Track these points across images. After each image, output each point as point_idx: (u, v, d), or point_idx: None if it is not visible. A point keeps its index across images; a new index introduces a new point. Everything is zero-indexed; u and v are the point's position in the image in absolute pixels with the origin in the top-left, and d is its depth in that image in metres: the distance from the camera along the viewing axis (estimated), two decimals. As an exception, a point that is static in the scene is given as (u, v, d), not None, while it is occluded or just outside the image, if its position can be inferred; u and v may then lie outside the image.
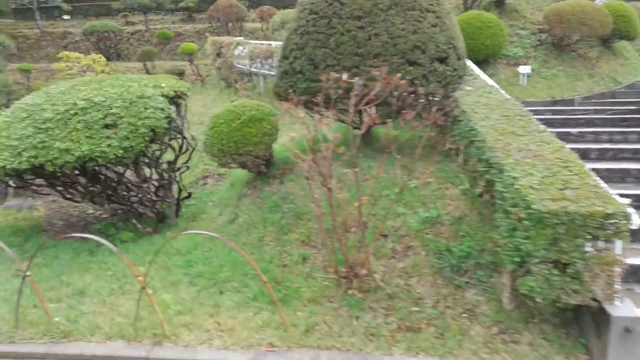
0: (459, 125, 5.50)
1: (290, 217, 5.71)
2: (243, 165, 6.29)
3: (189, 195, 8.45)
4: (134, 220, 7.49)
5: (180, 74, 18.12)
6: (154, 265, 6.13)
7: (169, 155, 7.93)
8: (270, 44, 13.17)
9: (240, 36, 19.41)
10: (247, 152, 6.04)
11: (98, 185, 7.10)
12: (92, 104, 6.32)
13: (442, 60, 5.94)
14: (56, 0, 28.82)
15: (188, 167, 8.66)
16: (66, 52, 17.42)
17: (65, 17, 29.59)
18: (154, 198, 7.56)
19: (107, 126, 6.15)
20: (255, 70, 13.28)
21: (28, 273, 4.25)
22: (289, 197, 6.01)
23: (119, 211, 7.69)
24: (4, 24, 29.35)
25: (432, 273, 4.62)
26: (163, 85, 7.54)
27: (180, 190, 7.95)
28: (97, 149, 5.92)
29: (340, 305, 4.50)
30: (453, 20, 6.44)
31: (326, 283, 4.76)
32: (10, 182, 8.65)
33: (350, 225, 4.57)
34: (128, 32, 26.25)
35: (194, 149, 8.11)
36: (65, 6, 25.79)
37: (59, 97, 6.69)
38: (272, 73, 12.53)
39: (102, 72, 17.60)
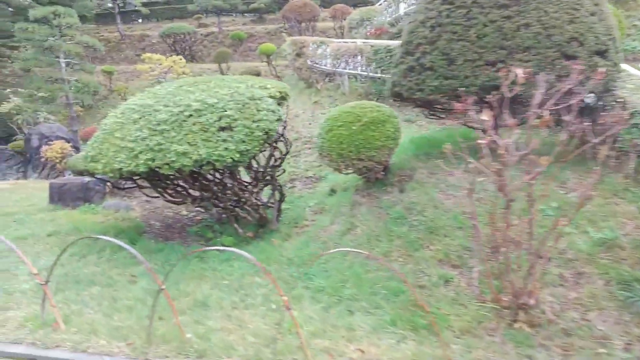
0: (629, 129, 4.67)
1: (422, 231, 5.13)
2: (362, 172, 5.80)
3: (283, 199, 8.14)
4: (235, 225, 7.25)
5: (257, 75, 18.12)
6: (264, 275, 5.83)
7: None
8: (355, 42, 12.68)
9: (312, 36, 19.16)
10: (370, 157, 5.54)
11: (205, 189, 6.89)
12: (206, 106, 6.08)
13: (602, 54, 5.11)
14: (134, 5, 30.05)
15: (284, 170, 8.36)
16: (148, 54, 17.92)
17: (139, 20, 30.89)
18: (259, 202, 7.27)
19: (222, 129, 5.88)
20: (339, 70, 12.84)
21: (163, 286, 3.98)
22: (415, 208, 5.44)
23: (224, 215, 7.47)
24: (87, 28, 31.10)
25: (617, 307, 3.87)
26: (268, 86, 7.23)
27: (282, 195, 7.62)
28: (215, 152, 5.66)
29: (504, 340, 3.86)
30: (608, 8, 5.58)
31: (482, 312, 4.14)
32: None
33: (507, 244, 3.92)
34: (201, 34, 26.88)
35: (288, 151, 7.78)
36: (144, 10, 26.76)
37: (169, 98, 6.53)
38: (360, 72, 12.06)
39: (183, 73, 17.93)
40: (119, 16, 27.65)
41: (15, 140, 17.38)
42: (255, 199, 7.63)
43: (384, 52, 10.93)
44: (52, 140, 13.25)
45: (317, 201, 8.01)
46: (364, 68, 11.90)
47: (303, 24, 22.29)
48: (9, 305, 4.94)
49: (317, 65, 14.22)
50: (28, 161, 13.18)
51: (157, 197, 7.66)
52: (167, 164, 5.67)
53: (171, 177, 6.70)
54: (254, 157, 6.41)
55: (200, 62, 25.20)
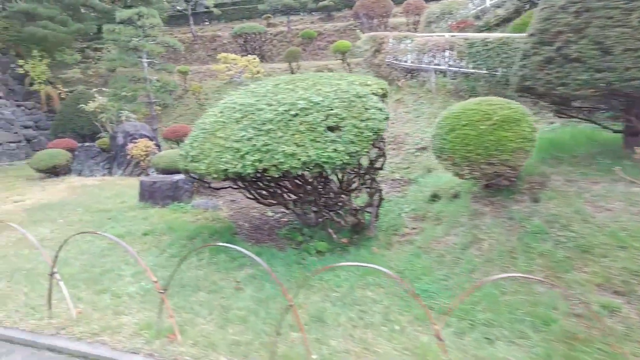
0: None
1: (571, 249, 4.41)
2: (490, 177, 5.14)
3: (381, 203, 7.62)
4: (329, 230, 6.83)
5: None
6: (375, 288, 5.34)
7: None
8: (443, 36, 11.90)
9: (384, 32, 18.49)
10: (502, 162, 4.88)
11: (303, 191, 6.53)
12: (312, 104, 5.69)
13: None
14: (205, 6, 30.82)
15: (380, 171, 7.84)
16: (224, 54, 18.10)
17: (207, 22, 31.60)
18: (356, 206, 6.82)
19: (330, 129, 5.46)
20: (424, 65, 12.14)
21: (292, 303, 3.59)
22: (557, 221, 4.72)
23: (319, 220, 7.08)
24: (162, 30, 32.39)
25: None
26: (369, 82, 6.75)
27: (380, 199, 7.11)
28: (324, 154, 5.25)
29: None
30: None
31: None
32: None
33: None
34: (270, 34, 27.02)
35: (384, 153, 7.24)
36: (216, 10, 27.31)
37: (270, 96, 6.23)
38: (449, 68, 11.29)
39: (257, 72, 17.95)
40: (191, 17, 28.40)
41: (100, 138, 18.16)
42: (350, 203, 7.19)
43: (480, 46, 10.10)
44: (136, 139, 13.59)
45: (414, 207, 7.43)
46: (453, 63, 11.11)
47: (375, 20, 21.67)
48: (121, 310, 4.80)
49: (398, 62, 13.58)
50: (113, 158, 13.62)
51: (251, 198, 7.41)
52: (275, 165, 5.33)
53: (267, 178, 6.40)
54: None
55: (269, 61, 25.32)
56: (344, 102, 5.75)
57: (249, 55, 18.00)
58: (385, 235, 6.89)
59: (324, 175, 6.48)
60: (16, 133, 19.69)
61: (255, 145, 5.50)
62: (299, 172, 5.52)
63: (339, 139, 5.38)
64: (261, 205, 8.71)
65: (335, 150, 5.31)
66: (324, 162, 5.26)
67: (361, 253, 6.30)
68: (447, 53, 11.24)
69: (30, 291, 5.34)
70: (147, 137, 13.84)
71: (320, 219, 7.06)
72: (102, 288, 5.37)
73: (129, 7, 18.31)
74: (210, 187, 9.25)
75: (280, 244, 7.27)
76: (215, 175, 5.75)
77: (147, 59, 15.68)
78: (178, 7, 30.76)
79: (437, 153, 5.46)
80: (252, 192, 7.34)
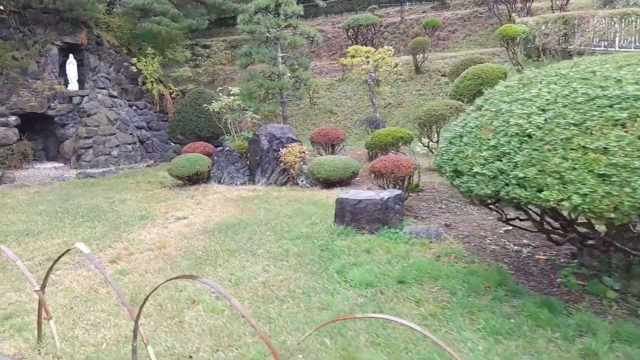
0: None
1: None
2: None
3: None
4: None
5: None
6: None
7: None
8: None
9: (525, 17, 15.64)
10: None
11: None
12: None
13: None
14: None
15: None
16: (355, 46, 16.08)
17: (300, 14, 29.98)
18: None
19: None
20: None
21: None
22: None
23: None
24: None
25: None
26: None
27: None
28: None
29: None
30: None
31: None
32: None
33: None
34: (380, 26, 24.85)
35: None
36: (322, 3, 25.54)
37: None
38: None
39: (396, 65, 15.79)
40: (292, 12, 26.85)
41: (222, 140, 16.80)
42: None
43: None
44: (284, 142, 11.84)
45: None
46: None
47: (519, 4, 18.77)
48: None
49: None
50: (257, 164, 11.93)
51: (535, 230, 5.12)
52: None
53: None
54: None
55: (382, 54, 23.11)
56: None
57: (385, 47, 15.80)
58: None
59: None
60: (131, 134, 18.88)
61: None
62: None
63: None
64: (507, 233, 6.47)
65: None
66: None
67: None
68: None
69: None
70: (295, 140, 12.06)
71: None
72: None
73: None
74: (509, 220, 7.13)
75: (575, 296, 4.95)
76: (612, 215, 3.49)
77: (282, 52, 13.95)
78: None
79: None
80: (545, 224, 5.09)
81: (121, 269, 5.59)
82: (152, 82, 20.03)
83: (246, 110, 15.34)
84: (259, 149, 12.00)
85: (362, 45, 22.54)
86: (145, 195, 10.57)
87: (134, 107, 20.33)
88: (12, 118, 17.21)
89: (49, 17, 18.41)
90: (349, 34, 23.16)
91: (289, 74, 14.35)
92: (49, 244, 6.75)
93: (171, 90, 20.56)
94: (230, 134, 16.46)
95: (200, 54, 21.96)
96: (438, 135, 8.83)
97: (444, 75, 19.94)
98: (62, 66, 18.88)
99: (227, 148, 12.48)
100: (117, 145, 17.76)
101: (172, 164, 11.67)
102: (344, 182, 10.51)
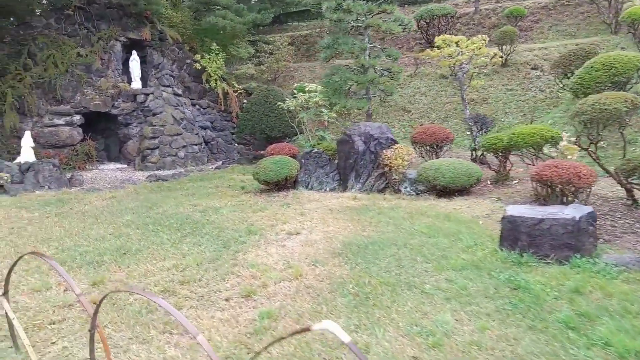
0: None
1: None
2: None
3: None
4: None
5: (585, 57, 13.22)
6: None
7: None
8: None
9: None
10: None
11: None
12: None
13: None
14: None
15: None
16: (444, 36, 14.37)
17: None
18: None
19: None
20: None
21: None
22: None
23: None
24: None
25: None
26: None
27: None
28: None
29: None
30: None
31: None
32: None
33: None
34: (453, 16, 22.98)
35: None
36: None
37: None
38: None
39: (495, 55, 14.03)
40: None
41: (296, 140, 15.54)
42: None
43: None
44: (382, 144, 10.36)
45: None
46: None
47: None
48: None
49: None
50: (351, 168, 10.50)
51: None
52: None
53: None
54: None
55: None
56: None
57: (480, 35, 14.01)
58: None
59: None
60: (197, 134, 17.91)
61: None
62: None
63: None
64: None
65: None
66: None
67: None
68: None
69: None
70: (394, 141, 10.57)
71: None
72: None
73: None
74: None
75: None
76: None
77: (369, 43, 12.48)
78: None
79: None
80: None
81: (266, 312, 4.24)
82: (215, 79, 19.03)
83: (322, 108, 13.99)
84: (352, 151, 10.57)
85: (431, 36, 20.82)
86: (233, 203, 9.34)
87: (197, 106, 19.40)
88: (77, 117, 16.57)
89: (112, 13, 17.71)
90: (420, 25, 21.43)
91: (379, 67, 12.85)
92: (155, 268, 5.52)
93: (235, 89, 19.50)
94: (303, 133, 15.18)
95: (263, 50, 20.82)
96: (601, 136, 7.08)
97: (534, 69, 17.92)
98: (125, 64, 18.17)
99: (316, 150, 11.12)
100: (184, 146, 16.81)
101: (258, 167, 10.41)
102: (464, 190, 8.91)
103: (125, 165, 17.25)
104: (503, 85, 17.93)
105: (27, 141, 12.86)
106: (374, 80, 12.50)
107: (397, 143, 10.49)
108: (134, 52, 17.99)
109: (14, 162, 12.44)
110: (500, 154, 9.50)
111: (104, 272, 5.43)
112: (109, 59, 17.57)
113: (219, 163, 17.16)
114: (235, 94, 19.47)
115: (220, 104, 19.37)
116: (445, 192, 8.94)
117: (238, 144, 19.82)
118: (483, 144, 9.60)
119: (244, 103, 19.85)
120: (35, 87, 15.84)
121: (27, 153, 12.72)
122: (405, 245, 6.10)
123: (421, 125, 15.35)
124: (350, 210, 8.31)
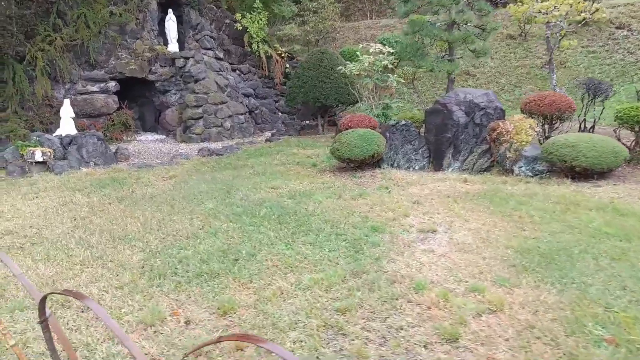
0: None
1: None
2: None
3: None
4: None
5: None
6: None
7: None
8: None
9: None
10: None
11: None
12: None
13: None
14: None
15: None
16: (533, -12, 12.42)
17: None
18: None
19: None
20: None
21: None
22: None
23: None
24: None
25: None
26: None
27: None
28: None
29: None
30: None
31: None
32: None
33: None
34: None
35: None
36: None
37: None
38: None
39: (597, 10, 12.09)
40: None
41: (358, 109, 13.93)
42: None
43: None
44: (490, 114, 8.76)
45: None
46: None
47: None
48: None
49: None
50: (448, 143, 8.94)
51: None
52: None
53: None
54: None
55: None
56: None
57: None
58: None
59: None
60: (242, 103, 16.34)
61: None
62: None
63: None
64: None
65: None
66: None
67: None
68: None
69: None
70: (503, 111, 8.96)
71: None
72: None
73: None
74: None
75: None
76: None
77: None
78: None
79: None
80: None
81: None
82: (257, 42, 17.29)
83: (388, 73, 12.32)
84: (450, 123, 8.99)
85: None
86: (318, 186, 7.92)
87: (237, 72, 17.75)
88: (112, 84, 15.08)
89: (146, -35, 15.89)
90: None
91: (471, 23, 11.05)
92: (287, 283, 4.16)
93: (279, 52, 17.76)
94: (361, 101, 13.57)
95: (307, 9, 18.90)
96: None
97: (619, 28, 15.89)
98: (160, 24, 16.48)
99: (403, 122, 9.55)
100: (230, 116, 15.30)
101: (339, 142, 8.91)
102: (605, 173, 7.36)
103: (164, 136, 15.87)
104: (583, 47, 15.96)
105: (66, 111, 11.47)
106: (467, 39, 10.76)
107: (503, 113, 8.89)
108: (170, 11, 16.26)
109: (54, 134, 11.10)
110: (638, 127, 7.87)
111: (224, 289, 4.08)
112: (143, 18, 15.87)
113: (268, 134, 15.68)
114: (280, 58, 17.76)
115: (264, 69, 17.71)
116: (580, 174, 7.40)
117: (282, 112, 18.27)
118: (620, 115, 7.95)
119: (286, 68, 18.17)
120: (66, 50, 14.31)
121: (67, 125, 11.35)
122: (600, 253, 4.65)
123: (529, 94, 13.59)
124: (474, 197, 6.85)
